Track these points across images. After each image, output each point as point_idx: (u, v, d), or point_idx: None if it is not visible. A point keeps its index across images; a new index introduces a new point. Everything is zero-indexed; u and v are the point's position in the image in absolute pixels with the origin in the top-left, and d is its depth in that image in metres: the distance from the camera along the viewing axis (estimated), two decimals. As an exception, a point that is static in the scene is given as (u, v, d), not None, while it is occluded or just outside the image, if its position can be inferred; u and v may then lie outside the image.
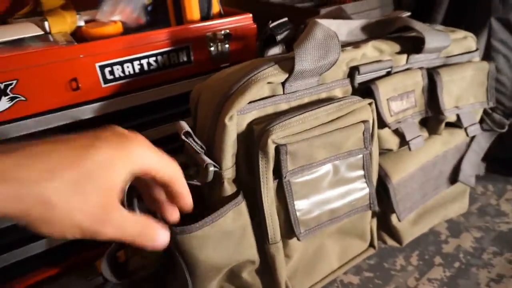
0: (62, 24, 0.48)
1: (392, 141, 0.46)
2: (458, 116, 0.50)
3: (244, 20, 0.51)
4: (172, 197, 0.31)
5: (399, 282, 0.49)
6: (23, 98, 0.39)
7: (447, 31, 0.49)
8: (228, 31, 0.49)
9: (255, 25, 0.52)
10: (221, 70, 0.40)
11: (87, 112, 0.44)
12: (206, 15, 0.51)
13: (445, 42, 0.47)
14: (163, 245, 0.29)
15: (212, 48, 0.49)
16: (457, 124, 0.51)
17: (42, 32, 0.45)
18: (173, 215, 0.33)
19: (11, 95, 0.38)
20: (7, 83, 0.38)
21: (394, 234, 0.51)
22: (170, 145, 0.52)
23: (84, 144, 0.24)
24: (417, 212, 0.53)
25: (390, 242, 0.52)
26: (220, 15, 0.52)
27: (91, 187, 0.24)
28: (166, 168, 0.29)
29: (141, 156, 0.26)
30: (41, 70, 0.39)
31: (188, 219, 0.35)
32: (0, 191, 0.21)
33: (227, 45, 0.50)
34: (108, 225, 0.25)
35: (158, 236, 0.29)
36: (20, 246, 0.47)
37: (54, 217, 0.23)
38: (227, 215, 0.37)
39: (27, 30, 0.43)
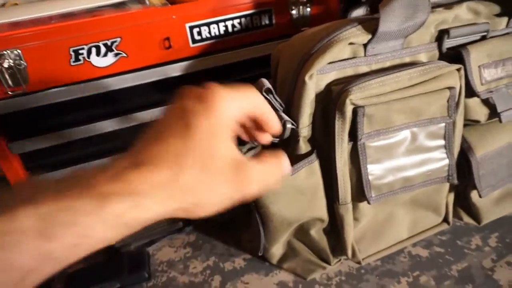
0: (158, -12, 0.53)
1: (480, 112, 0.43)
2: None
3: (328, -18, 0.50)
4: (262, 125, 0.30)
5: (473, 261, 0.47)
6: (125, 55, 0.44)
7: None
8: (310, -7, 0.49)
9: (340, -12, 0.51)
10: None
11: (177, 69, 0.48)
12: (290, -23, 0.51)
13: (557, 3, 0.41)
14: (290, 169, 0.30)
15: (294, 11, 0.50)
16: (561, 99, 0.46)
17: (140, -4, 0.49)
18: (266, 138, 0.33)
19: (116, 51, 0.44)
20: (113, 40, 0.43)
21: (473, 211, 0.49)
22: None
23: (180, 125, 0.24)
24: (502, 191, 0.49)
25: (467, 219, 0.50)
26: (303, -23, 0.52)
27: (214, 159, 0.24)
28: (254, 102, 0.28)
29: (228, 103, 0.26)
30: (140, 29, 0.44)
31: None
32: (164, 203, 0.22)
33: (309, 9, 0.50)
34: (250, 182, 0.25)
35: (285, 163, 0.29)
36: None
37: (203, 201, 0.24)
38: (299, 172, 0.38)
39: (128, -6, 0.47)
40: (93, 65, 0.44)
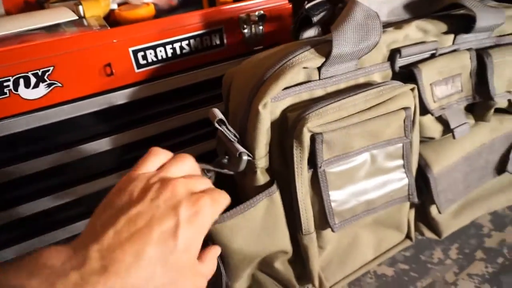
0: (96, 8, 0.48)
1: (434, 129, 0.44)
2: (509, 101, 0.46)
3: (279, 0, 0.48)
4: None
5: (436, 276, 0.47)
6: (59, 84, 0.40)
7: (501, 7, 0.45)
8: (262, 12, 0.47)
9: (291, 5, 0.50)
10: (254, 54, 0.39)
11: (121, 97, 0.44)
12: (239, -4, 0.49)
13: (498, 19, 0.43)
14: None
15: (245, 30, 0.48)
16: (508, 110, 0.48)
17: (77, 17, 0.45)
18: None
19: (48, 81, 0.39)
20: (44, 69, 0.38)
21: (433, 226, 0.49)
22: (203, 129, 0.52)
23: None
24: (459, 204, 0.50)
25: (428, 234, 0.50)
26: (253, -5, 0.51)
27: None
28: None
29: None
30: (76, 56, 0.39)
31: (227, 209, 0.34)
32: None
33: (261, 27, 0.48)
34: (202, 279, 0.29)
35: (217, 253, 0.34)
36: (64, 226, 0.49)
37: None
38: (259, 205, 0.36)
39: (62, 15, 0.43)
40: (22, 97, 0.39)
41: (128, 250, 0.23)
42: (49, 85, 0.39)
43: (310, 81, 0.36)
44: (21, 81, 0.38)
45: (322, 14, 0.41)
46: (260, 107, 0.33)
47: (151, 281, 0.23)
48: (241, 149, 0.33)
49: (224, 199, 0.31)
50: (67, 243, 0.24)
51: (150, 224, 0.24)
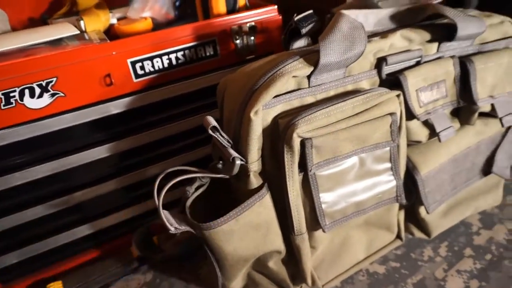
0: (97, 22, 0.51)
1: (421, 133, 0.46)
2: (492, 105, 0.48)
3: (270, 12, 0.51)
4: None
5: (426, 273, 0.49)
6: (62, 94, 0.42)
7: (482, 16, 0.47)
8: (253, 23, 0.49)
9: (281, 17, 0.52)
10: (247, 63, 0.41)
11: (120, 106, 0.46)
12: (232, 8, 0.51)
13: (479, 28, 0.45)
14: None
15: (238, 41, 0.50)
16: (492, 114, 0.49)
17: (78, 32, 0.47)
18: None
19: (52, 91, 0.41)
20: (48, 80, 0.40)
21: (423, 226, 0.51)
22: (198, 136, 0.54)
23: None
24: (447, 204, 0.52)
25: (418, 234, 0.52)
26: (245, 8, 0.53)
27: None
28: None
29: None
30: (78, 68, 0.42)
31: (219, 211, 0.36)
32: None
33: (252, 38, 0.50)
34: None
35: None
36: (63, 231, 0.50)
37: None
38: (251, 208, 0.38)
39: (65, 30, 0.45)
40: (27, 107, 0.41)
41: None
42: (52, 95, 0.41)
43: (300, 89, 0.38)
44: (26, 91, 0.40)
45: (310, 25, 0.43)
46: (252, 114, 0.35)
47: None
48: (234, 154, 0.35)
49: None
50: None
51: None
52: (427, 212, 0.48)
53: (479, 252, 0.51)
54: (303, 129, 0.35)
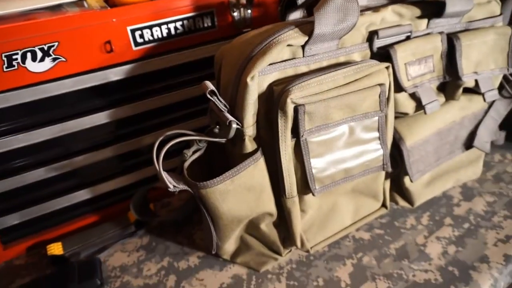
0: (95, -10, 0.51)
1: (408, 105, 0.48)
2: (476, 81, 0.51)
3: (267, -15, 0.52)
4: None
5: (408, 239, 0.52)
6: (63, 59, 0.43)
7: (470, -5, 0.49)
8: (251, -4, 0.51)
9: (278, -10, 0.53)
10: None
11: (119, 73, 0.47)
12: (230, -20, 0.52)
13: (467, 6, 0.47)
14: None
15: (235, 13, 0.51)
16: (476, 90, 0.52)
17: (77, -2, 0.48)
18: None
19: (53, 56, 0.42)
20: (50, 44, 0.41)
21: (406, 195, 0.54)
22: (195, 106, 0.56)
23: None
24: (430, 175, 0.54)
25: (402, 203, 0.55)
26: (243, -20, 0.54)
27: None
28: None
29: None
30: (79, 33, 0.43)
31: (215, 175, 0.38)
32: None
33: (249, 11, 0.52)
34: None
35: None
36: (63, 195, 0.52)
37: None
38: (246, 170, 0.40)
39: (64, -4, 0.46)
40: (28, 70, 0.42)
41: None
42: (54, 59, 0.42)
43: (295, 58, 0.40)
44: (29, 55, 0.41)
45: (306, -3, 0.44)
46: (249, 79, 0.36)
47: None
48: (230, 117, 0.37)
49: None
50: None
51: None
52: (411, 181, 0.50)
53: (458, 221, 0.54)
54: (296, 95, 0.37)
